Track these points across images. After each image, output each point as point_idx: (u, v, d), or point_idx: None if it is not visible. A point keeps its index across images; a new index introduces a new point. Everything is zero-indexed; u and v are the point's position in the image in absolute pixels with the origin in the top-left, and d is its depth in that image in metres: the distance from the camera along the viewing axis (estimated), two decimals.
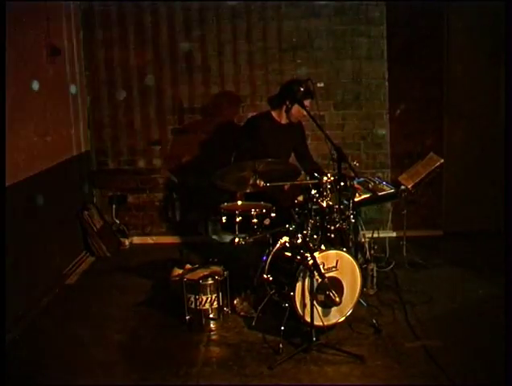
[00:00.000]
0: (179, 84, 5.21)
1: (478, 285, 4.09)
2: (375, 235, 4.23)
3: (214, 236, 5.27)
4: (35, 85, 3.90)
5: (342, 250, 3.39)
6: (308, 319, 3.21)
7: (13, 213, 3.66)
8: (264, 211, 3.65)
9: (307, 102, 3.93)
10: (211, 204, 4.32)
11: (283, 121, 4.19)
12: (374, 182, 4.09)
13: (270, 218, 3.64)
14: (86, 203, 5.12)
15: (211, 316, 3.57)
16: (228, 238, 3.61)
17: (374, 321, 3.50)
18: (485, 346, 3.22)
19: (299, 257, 3.32)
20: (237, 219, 3.57)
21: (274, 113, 4.20)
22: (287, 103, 4.04)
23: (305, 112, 3.93)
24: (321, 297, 3.23)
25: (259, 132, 4.12)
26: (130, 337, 3.53)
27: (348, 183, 3.63)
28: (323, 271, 3.17)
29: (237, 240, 3.49)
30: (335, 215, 3.53)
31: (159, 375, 3.07)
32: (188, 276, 3.63)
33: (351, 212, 3.64)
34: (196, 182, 5.27)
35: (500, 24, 3.93)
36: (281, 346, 3.24)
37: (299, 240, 3.45)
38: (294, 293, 3.23)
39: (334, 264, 3.30)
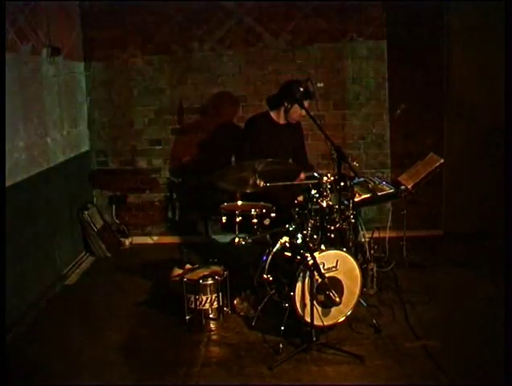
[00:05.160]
0: (179, 84, 5.22)
1: (478, 285, 4.09)
2: (375, 235, 4.23)
3: (214, 236, 5.30)
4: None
5: (342, 250, 3.39)
6: (308, 319, 3.21)
7: (13, 213, 3.66)
8: (264, 211, 3.65)
9: (306, 102, 3.92)
10: (211, 204, 4.32)
11: (282, 121, 4.19)
12: (374, 182, 4.08)
13: (270, 218, 3.64)
14: (86, 203, 5.12)
15: (211, 316, 3.57)
16: (228, 238, 3.61)
17: (374, 321, 3.50)
18: (485, 347, 3.22)
19: (299, 257, 3.32)
20: (237, 219, 3.57)
21: (272, 114, 4.21)
22: (286, 103, 4.04)
23: (304, 113, 3.93)
24: (321, 297, 3.23)
25: (258, 132, 4.12)
26: (130, 337, 3.53)
27: (348, 183, 3.62)
28: (323, 271, 3.17)
29: (237, 240, 3.49)
30: (335, 215, 3.53)
31: (159, 375, 3.07)
32: (188, 276, 3.64)
33: (351, 212, 3.64)
34: (196, 182, 5.27)
35: (500, 24, 3.93)
36: (281, 346, 3.24)
37: (299, 240, 3.46)
38: (294, 293, 3.23)
39: (334, 264, 3.30)
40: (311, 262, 3.15)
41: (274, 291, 3.51)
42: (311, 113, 3.82)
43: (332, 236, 3.53)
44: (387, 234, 4.39)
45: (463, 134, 5.19)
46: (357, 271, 3.41)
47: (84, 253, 5.02)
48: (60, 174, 4.53)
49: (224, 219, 3.65)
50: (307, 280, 3.21)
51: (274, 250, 3.54)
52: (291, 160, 4.30)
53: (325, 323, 3.30)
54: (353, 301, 3.42)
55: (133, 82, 5.22)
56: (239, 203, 3.84)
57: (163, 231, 5.49)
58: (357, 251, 3.98)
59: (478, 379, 2.92)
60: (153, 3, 5.06)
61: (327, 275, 3.19)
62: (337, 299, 3.14)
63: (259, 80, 5.18)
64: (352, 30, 5.07)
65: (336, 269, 3.31)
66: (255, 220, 3.58)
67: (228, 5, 5.05)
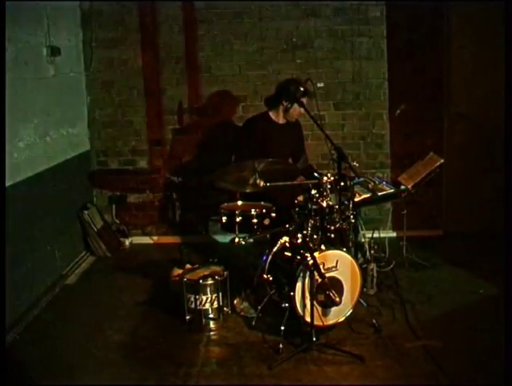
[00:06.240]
0: (179, 84, 5.22)
1: (478, 285, 4.09)
2: (375, 235, 4.23)
3: (214, 236, 5.30)
4: None
5: (342, 250, 3.39)
6: (308, 319, 3.21)
7: (13, 213, 3.66)
8: (264, 211, 3.65)
9: (304, 100, 3.92)
10: (211, 204, 4.32)
11: (281, 120, 4.19)
12: (374, 182, 4.09)
13: (270, 218, 3.64)
14: (86, 203, 5.12)
15: (211, 316, 3.57)
16: (228, 238, 3.61)
17: (374, 321, 3.50)
18: (485, 346, 3.22)
19: (299, 257, 3.32)
20: (237, 219, 3.57)
21: (271, 113, 4.21)
22: (286, 103, 4.04)
23: (303, 111, 3.93)
24: (321, 297, 3.23)
25: (257, 133, 4.12)
26: (130, 337, 3.53)
27: (348, 183, 3.62)
28: (323, 271, 3.17)
29: (237, 240, 3.49)
30: (335, 215, 3.53)
31: (159, 375, 3.08)
32: (188, 276, 3.63)
33: (351, 212, 3.64)
34: (196, 182, 5.27)
35: (500, 24, 3.93)
36: (281, 346, 3.24)
37: (299, 240, 3.46)
38: (294, 293, 3.23)
39: (334, 264, 3.30)
40: (311, 262, 3.14)
41: (274, 291, 3.51)
42: (312, 113, 3.82)
43: (332, 236, 3.52)
44: (387, 234, 4.39)
45: (463, 134, 5.19)
46: (357, 271, 3.41)
47: (84, 253, 5.02)
48: (60, 174, 4.53)
49: (224, 219, 3.65)
50: (307, 280, 3.21)
51: (274, 250, 3.54)
52: (290, 159, 4.31)
53: (325, 323, 3.30)
54: (353, 301, 3.42)
55: (133, 82, 5.22)
56: (239, 203, 3.83)
57: (163, 231, 5.49)
58: (357, 251, 3.98)
59: (478, 379, 2.93)
60: (153, 3, 5.06)
61: (327, 275, 3.19)
62: (337, 299, 3.14)
63: (259, 80, 5.18)
64: (352, 30, 5.08)
65: (336, 269, 3.31)
66: (255, 220, 3.58)
67: (228, 4, 5.05)
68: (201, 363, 3.19)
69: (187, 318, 3.57)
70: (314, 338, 3.21)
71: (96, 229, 5.00)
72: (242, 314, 3.74)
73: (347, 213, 3.61)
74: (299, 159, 4.36)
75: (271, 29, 5.09)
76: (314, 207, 3.54)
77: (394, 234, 5.16)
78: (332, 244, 3.45)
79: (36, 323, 3.74)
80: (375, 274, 3.99)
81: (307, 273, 3.19)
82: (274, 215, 3.66)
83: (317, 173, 3.72)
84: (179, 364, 3.17)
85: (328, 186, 3.51)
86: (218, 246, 5.06)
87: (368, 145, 5.29)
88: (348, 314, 3.42)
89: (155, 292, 4.18)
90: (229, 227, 3.63)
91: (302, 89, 3.89)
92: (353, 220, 3.70)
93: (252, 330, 3.53)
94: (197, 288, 3.53)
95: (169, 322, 3.68)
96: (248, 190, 3.64)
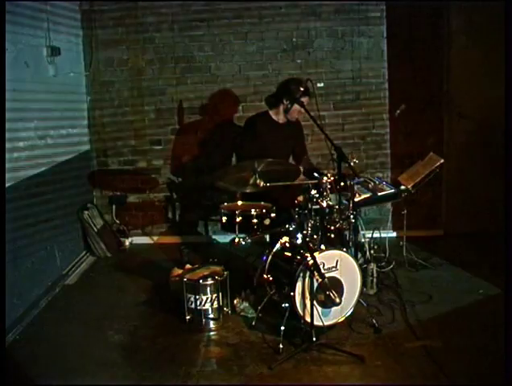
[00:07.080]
0: (179, 84, 5.22)
1: (478, 285, 4.09)
2: (375, 235, 4.23)
3: (214, 236, 5.31)
4: None
5: (342, 250, 3.39)
6: (308, 319, 3.21)
7: (13, 213, 3.66)
8: (264, 211, 3.65)
9: (304, 99, 3.93)
10: (211, 204, 4.32)
11: (281, 120, 4.20)
12: (374, 182, 4.09)
13: (270, 218, 3.64)
14: (86, 203, 5.13)
15: (211, 316, 3.57)
16: (228, 238, 3.61)
17: (374, 321, 3.50)
18: (485, 346, 3.22)
19: (299, 257, 3.32)
20: (237, 219, 3.57)
21: (271, 113, 4.22)
22: (287, 103, 4.04)
23: (303, 111, 3.93)
24: (321, 297, 3.23)
25: (257, 132, 4.12)
26: (130, 337, 3.53)
27: (348, 183, 3.62)
28: (323, 271, 3.17)
29: (237, 240, 3.49)
30: (335, 215, 3.53)
31: (159, 375, 3.07)
32: (188, 276, 3.63)
33: (351, 212, 3.64)
34: (196, 182, 5.27)
35: (500, 24, 3.93)
36: (281, 346, 3.24)
37: (299, 240, 3.46)
38: (294, 293, 3.23)
39: (334, 264, 3.30)
40: (311, 262, 3.14)
41: (274, 291, 3.51)
42: (312, 114, 3.82)
43: (332, 236, 3.52)
44: (387, 234, 4.39)
45: (463, 134, 5.20)
46: (357, 271, 3.41)
47: (84, 253, 5.02)
48: (60, 174, 4.53)
49: (224, 219, 3.64)
50: (307, 280, 3.21)
51: (274, 250, 3.54)
52: (291, 158, 4.31)
53: (325, 323, 3.30)
54: (353, 301, 3.42)
55: (133, 82, 5.23)
56: (239, 203, 3.83)
57: (163, 231, 5.49)
58: (357, 251, 3.98)
59: (478, 379, 2.92)
60: (153, 3, 5.07)
61: (327, 275, 3.19)
62: (337, 299, 3.14)
63: (259, 80, 5.18)
64: (352, 30, 5.08)
65: (336, 269, 3.31)
66: (255, 220, 3.58)
67: (227, 5, 5.05)
68: (201, 363, 3.19)
69: (187, 318, 3.57)
70: (314, 338, 3.20)
71: (96, 229, 5.00)
72: (242, 314, 3.74)
73: (347, 213, 3.61)
74: (300, 158, 4.36)
75: (271, 29, 5.10)
76: (314, 207, 3.54)
77: (394, 234, 5.16)
78: (332, 244, 3.45)
79: (36, 323, 3.74)
80: (375, 274, 3.99)
81: (307, 273, 3.19)
82: (274, 215, 3.66)
83: (318, 173, 3.72)
84: (179, 364, 3.16)
85: (328, 186, 3.51)
86: (218, 246, 5.08)
87: (368, 145, 5.29)
88: (349, 314, 3.42)
89: (155, 292, 4.18)
90: (229, 228, 3.63)
91: (302, 89, 3.89)
92: (353, 220, 3.70)
93: (252, 330, 3.53)
94: (197, 288, 3.53)
95: (169, 322, 3.68)
96: (248, 191, 3.65)
